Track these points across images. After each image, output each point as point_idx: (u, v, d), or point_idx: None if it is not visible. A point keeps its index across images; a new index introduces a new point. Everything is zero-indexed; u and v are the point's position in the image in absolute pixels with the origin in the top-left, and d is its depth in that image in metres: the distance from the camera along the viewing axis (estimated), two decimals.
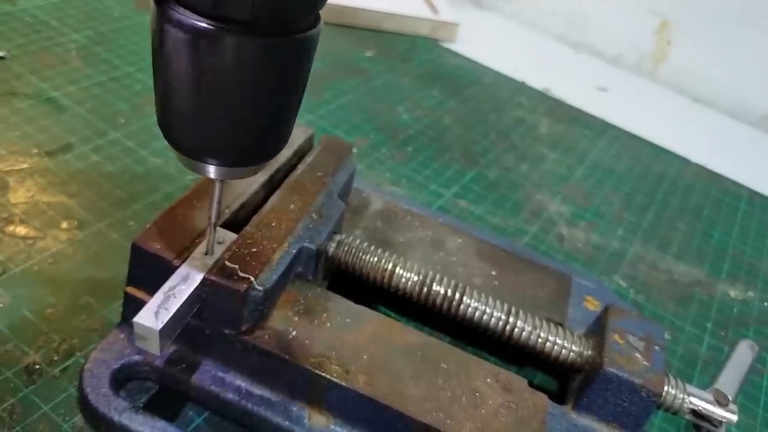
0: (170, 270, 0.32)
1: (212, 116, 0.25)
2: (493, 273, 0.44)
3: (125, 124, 0.53)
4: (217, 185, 0.30)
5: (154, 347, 0.29)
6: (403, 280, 0.39)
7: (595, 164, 0.68)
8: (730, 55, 0.85)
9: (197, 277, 0.32)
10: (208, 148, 0.26)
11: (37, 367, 0.35)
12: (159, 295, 0.30)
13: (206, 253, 0.33)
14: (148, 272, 0.33)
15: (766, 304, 0.54)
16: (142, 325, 0.29)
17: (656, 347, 0.36)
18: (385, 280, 0.40)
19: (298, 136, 0.43)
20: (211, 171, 0.27)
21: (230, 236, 0.35)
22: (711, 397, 0.36)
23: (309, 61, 0.27)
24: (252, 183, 0.39)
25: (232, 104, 0.25)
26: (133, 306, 0.34)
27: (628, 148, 0.72)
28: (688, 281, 0.54)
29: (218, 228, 0.35)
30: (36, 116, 0.52)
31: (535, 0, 0.97)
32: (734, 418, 0.35)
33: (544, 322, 0.38)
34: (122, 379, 0.34)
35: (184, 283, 0.31)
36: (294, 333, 0.34)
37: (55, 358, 0.35)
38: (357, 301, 0.37)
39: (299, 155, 0.43)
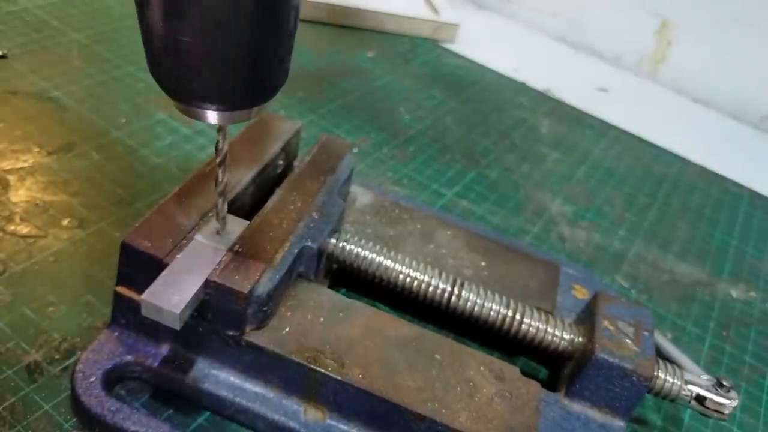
0: (161, 268, 0.31)
1: (208, 55, 0.24)
2: (483, 264, 0.44)
3: (126, 124, 0.53)
4: (222, 138, 0.30)
5: (172, 322, 0.30)
6: (401, 276, 0.40)
7: (596, 165, 0.68)
8: (730, 55, 0.85)
9: (211, 257, 0.32)
10: (206, 90, 0.26)
11: (38, 365, 0.35)
12: (172, 272, 0.31)
13: (217, 223, 0.34)
14: (139, 271, 0.33)
15: (767, 304, 0.54)
16: (164, 308, 0.29)
17: (645, 332, 0.37)
18: (385, 276, 0.40)
19: (285, 131, 0.44)
20: (211, 116, 0.27)
21: (240, 222, 0.35)
22: (710, 384, 0.36)
23: None
24: (241, 178, 0.39)
25: (229, 39, 0.24)
26: (123, 306, 0.34)
27: (629, 149, 0.72)
28: (689, 281, 0.54)
29: (228, 215, 0.35)
30: (37, 115, 0.52)
31: (535, 0, 0.97)
32: (735, 402, 0.35)
33: (535, 311, 0.39)
34: (114, 380, 0.34)
35: (198, 262, 0.32)
36: (287, 328, 0.34)
37: (56, 357, 0.35)
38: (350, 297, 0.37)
39: (287, 150, 0.43)
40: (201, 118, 0.27)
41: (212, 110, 0.27)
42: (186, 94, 0.26)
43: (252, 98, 0.27)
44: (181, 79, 0.25)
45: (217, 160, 0.31)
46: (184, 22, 0.24)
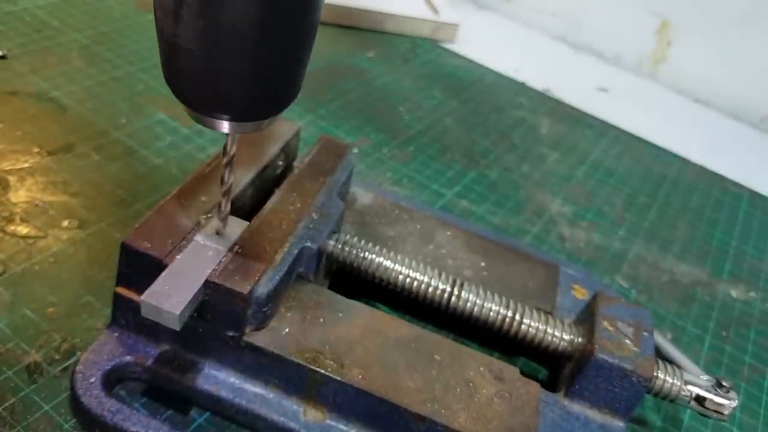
0: (161, 269, 0.31)
1: (224, 65, 0.25)
2: (483, 264, 0.44)
3: (126, 124, 0.53)
4: (228, 161, 0.30)
5: (171, 322, 0.30)
6: (401, 276, 0.40)
7: (596, 165, 0.68)
8: (730, 55, 0.85)
9: (210, 258, 0.32)
10: (220, 100, 0.26)
11: (38, 366, 0.35)
12: (171, 273, 0.31)
13: (217, 232, 0.33)
14: (139, 272, 0.33)
15: (767, 304, 0.54)
16: (163, 309, 0.29)
17: (645, 333, 0.37)
18: (385, 277, 0.40)
19: (285, 132, 0.44)
20: (225, 126, 0.27)
21: (239, 223, 0.35)
22: (709, 384, 0.36)
23: (320, 2, 0.26)
24: (240, 180, 0.39)
25: (244, 51, 0.24)
26: (123, 306, 0.34)
27: (629, 149, 0.72)
28: (689, 281, 0.54)
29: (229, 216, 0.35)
30: (37, 115, 0.52)
31: (535, 0, 0.97)
32: (734, 403, 0.35)
33: (535, 312, 0.39)
34: (114, 380, 0.34)
35: (197, 262, 0.32)
36: (287, 329, 0.34)
37: (57, 358, 0.35)
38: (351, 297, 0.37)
39: (286, 151, 0.43)
40: (214, 127, 0.27)
41: (226, 120, 0.27)
42: (201, 104, 0.26)
43: (266, 110, 0.27)
44: (196, 89, 0.26)
45: (224, 161, 0.31)
46: (202, 35, 0.24)
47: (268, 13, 0.24)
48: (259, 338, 0.33)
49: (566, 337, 0.38)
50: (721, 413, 0.36)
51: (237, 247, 0.33)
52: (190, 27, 0.24)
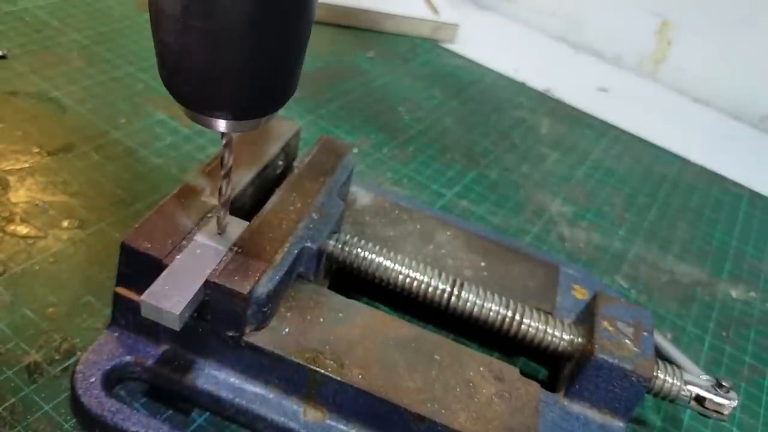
0: (160, 269, 0.31)
1: (219, 65, 0.25)
2: (483, 264, 0.44)
3: (126, 124, 0.53)
4: (227, 141, 0.30)
5: (171, 322, 0.30)
6: (401, 276, 0.40)
7: (596, 165, 0.68)
8: (730, 55, 0.85)
9: (210, 258, 0.32)
10: (215, 99, 0.26)
11: (38, 366, 0.35)
12: (171, 273, 0.31)
13: (218, 231, 0.33)
14: (138, 272, 0.33)
15: (767, 304, 0.54)
16: (163, 309, 0.29)
17: (645, 333, 0.37)
18: (385, 277, 0.40)
19: (285, 132, 0.44)
20: (221, 124, 0.27)
21: (239, 223, 0.35)
22: (709, 384, 0.36)
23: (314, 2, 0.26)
24: (241, 179, 0.39)
25: (239, 51, 0.24)
26: (123, 307, 0.34)
27: (629, 149, 0.72)
28: (689, 282, 0.54)
29: (228, 215, 0.35)
30: (37, 115, 0.52)
31: (535, 0, 0.97)
32: (734, 403, 0.35)
33: (535, 312, 0.39)
34: (114, 380, 0.34)
35: (197, 262, 0.32)
36: (287, 329, 0.34)
37: (56, 358, 0.35)
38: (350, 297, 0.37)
39: (286, 151, 0.43)
40: (211, 126, 0.27)
41: (222, 119, 0.27)
42: (197, 104, 0.26)
43: (262, 108, 0.27)
44: (192, 89, 0.26)
45: (222, 173, 0.31)
46: (197, 35, 0.24)
47: (263, 12, 0.24)
48: (259, 338, 0.33)
49: (566, 337, 0.38)
50: (721, 413, 0.36)
51: (237, 247, 0.33)
52: (185, 27, 0.24)
